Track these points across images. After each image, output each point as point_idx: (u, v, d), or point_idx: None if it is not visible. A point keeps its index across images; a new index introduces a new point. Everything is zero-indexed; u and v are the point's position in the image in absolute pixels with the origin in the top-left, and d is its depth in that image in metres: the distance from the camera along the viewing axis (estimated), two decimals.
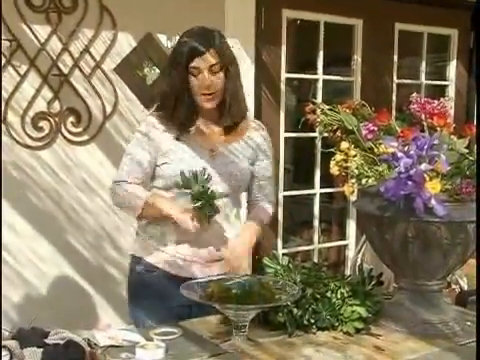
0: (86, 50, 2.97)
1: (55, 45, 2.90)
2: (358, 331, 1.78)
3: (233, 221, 2.16)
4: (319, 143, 3.73)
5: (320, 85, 3.75)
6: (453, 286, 3.26)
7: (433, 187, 1.61)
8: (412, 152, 1.64)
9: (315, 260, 3.87)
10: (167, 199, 2.07)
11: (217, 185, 2.05)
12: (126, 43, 3.08)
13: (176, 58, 2.04)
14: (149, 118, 2.15)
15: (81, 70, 2.97)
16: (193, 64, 2.00)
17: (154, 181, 2.13)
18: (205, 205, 1.93)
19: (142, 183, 2.11)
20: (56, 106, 2.95)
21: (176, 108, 2.05)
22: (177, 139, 2.08)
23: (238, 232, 2.14)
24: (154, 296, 2.10)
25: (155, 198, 2.06)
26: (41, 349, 1.52)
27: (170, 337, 1.71)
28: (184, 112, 2.05)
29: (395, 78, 4.04)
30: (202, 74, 2.01)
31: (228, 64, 2.06)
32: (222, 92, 2.06)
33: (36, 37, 2.85)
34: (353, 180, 1.81)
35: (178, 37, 2.11)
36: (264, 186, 2.24)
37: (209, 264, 2.11)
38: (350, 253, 3.97)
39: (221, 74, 2.04)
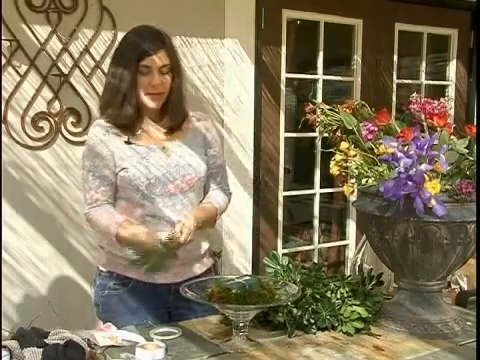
0: (86, 50, 2.97)
1: (55, 45, 2.90)
2: (358, 331, 1.78)
3: None
4: (319, 143, 3.73)
5: (320, 85, 3.75)
6: (453, 286, 3.26)
7: (433, 187, 1.61)
8: (412, 152, 1.64)
9: (315, 260, 3.88)
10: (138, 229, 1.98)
11: (177, 182, 2.03)
12: None
13: (125, 56, 2.01)
14: (99, 123, 2.08)
15: (81, 70, 2.97)
16: (144, 63, 1.98)
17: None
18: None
19: (111, 196, 2.05)
20: (56, 106, 2.95)
21: (124, 108, 2.01)
22: (127, 142, 2.03)
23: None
24: (134, 308, 2.04)
25: (126, 230, 1.97)
26: (41, 349, 1.52)
27: (170, 337, 1.71)
28: (132, 112, 2.02)
29: (395, 78, 4.04)
30: (151, 73, 1.99)
31: (175, 66, 2.05)
32: (168, 93, 2.05)
33: (36, 37, 2.85)
34: (353, 180, 1.82)
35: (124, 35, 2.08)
36: (215, 174, 2.19)
37: (184, 266, 2.07)
38: (350, 253, 3.97)
39: (169, 75, 2.03)
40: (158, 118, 2.10)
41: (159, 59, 1.99)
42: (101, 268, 2.12)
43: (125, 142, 2.03)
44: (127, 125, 2.04)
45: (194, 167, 2.08)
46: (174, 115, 2.09)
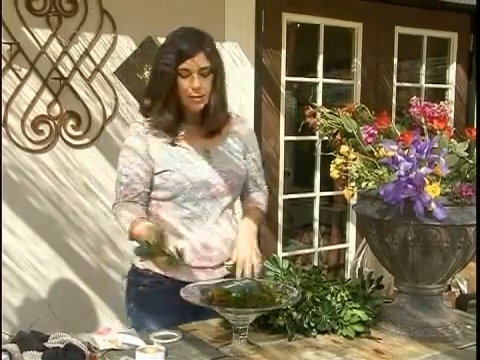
0: (86, 53, 2.97)
1: (55, 48, 2.91)
2: (358, 334, 1.78)
3: (235, 221, 2.16)
4: (319, 146, 3.73)
5: (320, 88, 3.75)
6: (453, 289, 3.26)
7: (433, 190, 1.61)
8: (412, 156, 1.64)
9: (315, 263, 3.87)
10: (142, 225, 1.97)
11: (219, 186, 2.05)
12: (126, 46, 3.08)
13: (165, 59, 2.00)
14: (136, 126, 2.09)
15: (81, 73, 2.98)
16: (183, 66, 1.96)
17: (152, 192, 2.06)
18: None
19: (139, 195, 2.05)
20: (56, 109, 2.95)
21: (164, 111, 2.02)
22: (171, 144, 2.05)
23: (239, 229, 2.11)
24: (164, 306, 2.02)
25: (134, 226, 1.97)
26: (41, 353, 1.52)
27: (170, 341, 1.71)
28: (173, 115, 2.02)
29: (395, 81, 4.04)
30: (191, 76, 1.98)
31: (216, 68, 2.04)
32: (209, 95, 2.04)
33: (36, 40, 2.86)
34: (353, 183, 1.82)
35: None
36: (255, 177, 2.23)
37: (216, 268, 2.07)
38: (350, 256, 3.97)
39: (210, 77, 2.02)
40: (199, 121, 2.09)
41: (198, 62, 1.97)
42: (136, 265, 2.12)
43: (169, 144, 2.05)
44: (168, 128, 2.04)
45: (235, 172, 2.10)
46: (215, 118, 2.07)
